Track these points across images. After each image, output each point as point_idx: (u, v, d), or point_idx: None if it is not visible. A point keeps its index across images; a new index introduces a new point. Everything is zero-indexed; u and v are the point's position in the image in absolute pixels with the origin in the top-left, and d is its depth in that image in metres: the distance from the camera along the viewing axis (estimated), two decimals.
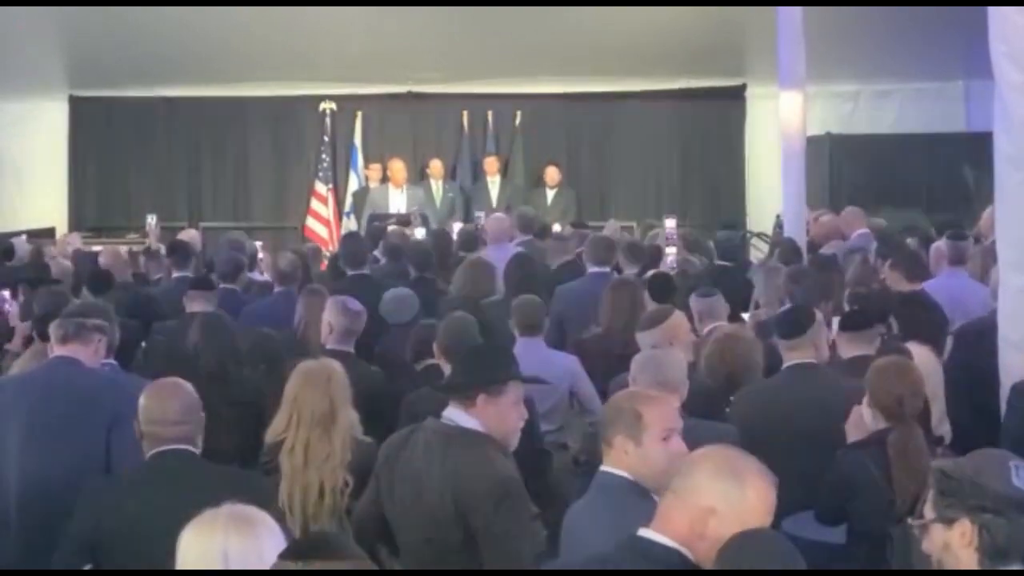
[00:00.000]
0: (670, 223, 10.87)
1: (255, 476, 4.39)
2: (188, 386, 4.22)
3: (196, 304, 7.32)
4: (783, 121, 10.96)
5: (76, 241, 12.40)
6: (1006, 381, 5.52)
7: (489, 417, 3.95)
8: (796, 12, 10.49)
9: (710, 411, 5.22)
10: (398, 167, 14.50)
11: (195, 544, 2.85)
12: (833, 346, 5.82)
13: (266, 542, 2.77)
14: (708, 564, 2.82)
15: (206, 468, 4.11)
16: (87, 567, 3.97)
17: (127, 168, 15.73)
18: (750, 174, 15.71)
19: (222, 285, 8.33)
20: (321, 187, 15.43)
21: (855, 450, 4.71)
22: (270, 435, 4.87)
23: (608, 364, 6.21)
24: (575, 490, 4.21)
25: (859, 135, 15.27)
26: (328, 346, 6.21)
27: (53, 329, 5.13)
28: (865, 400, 4.70)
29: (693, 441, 3.33)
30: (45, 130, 15.40)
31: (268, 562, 2.63)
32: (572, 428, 6.45)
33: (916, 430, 4.59)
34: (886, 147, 15.21)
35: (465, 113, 15.72)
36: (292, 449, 4.73)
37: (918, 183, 14.97)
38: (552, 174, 14.97)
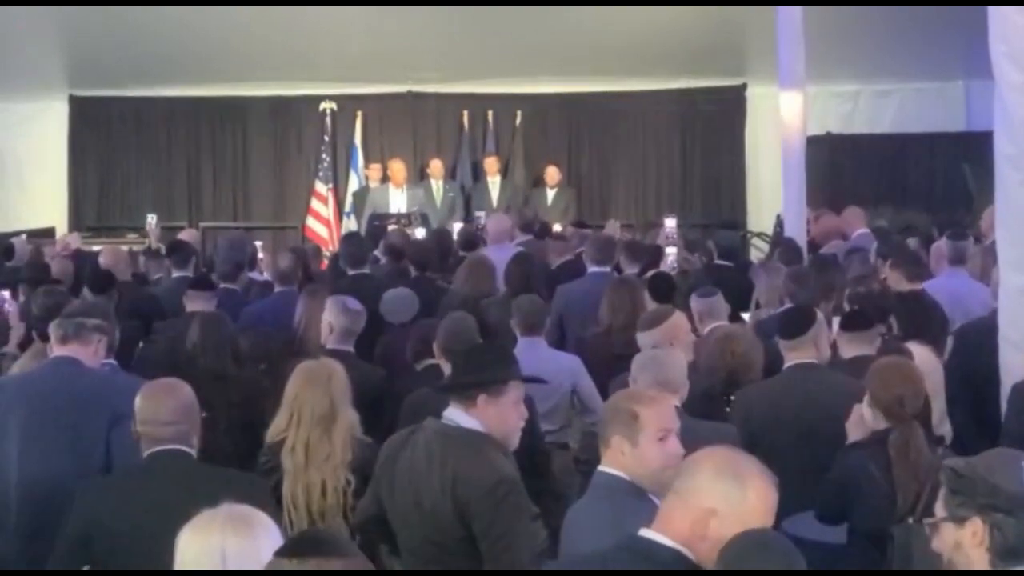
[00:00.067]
0: (670, 223, 10.89)
1: (250, 476, 4.37)
2: (185, 386, 4.22)
3: (196, 304, 7.31)
4: (783, 121, 10.97)
5: (76, 241, 12.39)
6: (1006, 381, 5.52)
7: (490, 417, 3.95)
8: (796, 12, 10.50)
9: (710, 411, 5.23)
10: (398, 167, 14.50)
11: (193, 544, 2.86)
12: (833, 346, 5.82)
13: (264, 542, 2.77)
14: (709, 564, 2.82)
15: (200, 468, 4.10)
16: (85, 567, 3.97)
17: (127, 168, 15.74)
18: (750, 174, 15.72)
19: (222, 285, 8.33)
20: (321, 187, 15.43)
21: (856, 450, 4.71)
22: (271, 434, 4.87)
23: (608, 364, 6.22)
24: (576, 490, 4.22)
25: (859, 135, 15.29)
26: (328, 346, 6.22)
27: (53, 329, 5.12)
28: (865, 399, 4.70)
29: (693, 441, 3.33)
30: (45, 130, 15.41)
31: (266, 562, 2.63)
32: (574, 428, 6.45)
33: (917, 430, 4.59)
34: (886, 147, 15.23)
35: (465, 113, 15.73)
36: (293, 448, 4.74)
37: (918, 183, 15.00)
38: (552, 174, 14.97)
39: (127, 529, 3.88)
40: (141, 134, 15.69)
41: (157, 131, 15.70)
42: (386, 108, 15.81)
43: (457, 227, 11.73)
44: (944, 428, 5.87)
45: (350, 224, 14.88)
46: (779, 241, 10.76)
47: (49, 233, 13.75)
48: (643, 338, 5.63)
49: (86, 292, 7.70)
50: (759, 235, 14.29)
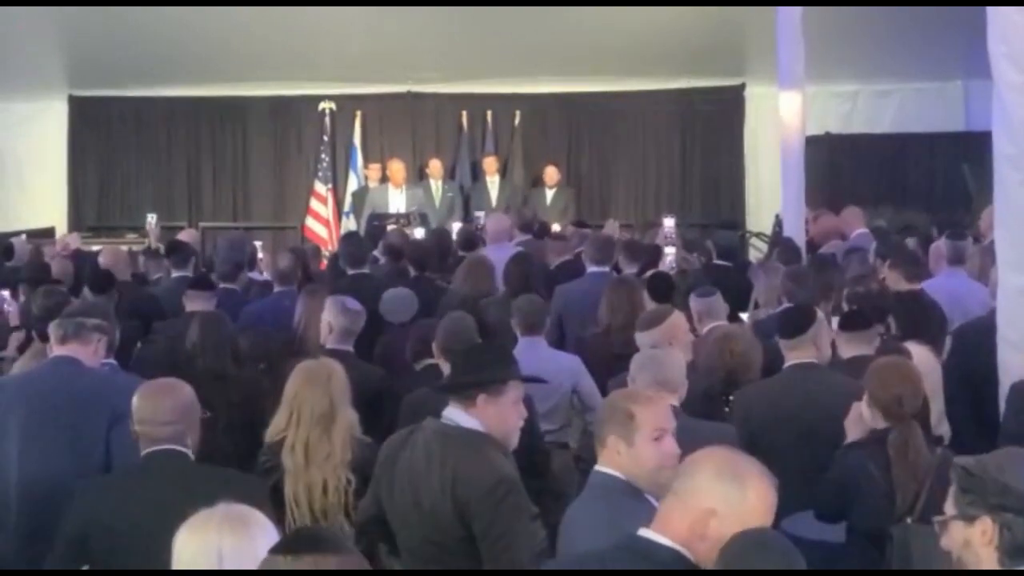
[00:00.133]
0: (669, 222, 10.89)
1: (247, 476, 4.37)
2: (183, 386, 4.21)
3: (196, 304, 7.32)
4: (782, 121, 10.97)
5: (75, 241, 12.39)
6: (1005, 381, 5.51)
7: (489, 417, 3.96)
8: (795, 12, 10.50)
9: (709, 411, 5.24)
10: (397, 167, 14.50)
11: (190, 544, 2.86)
12: (832, 346, 5.82)
13: (260, 542, 2.77)
14: (708, 564, 2.82)
15: (197, 468, 4.09)
16: (84, 567, 3.97)
17: (127, 168, 15.74)
18: (749, 174, 15.72)
19: (222, 285, 8.34)
20: (321, 187, 15.44)
21: (854, 450, 4.72)
22: (270, 434, 4.88)
23: (607, 363, 6.22)
24: (576, 489, 4.22)
25: (858, 135, 15.29)
26: (328, 346, 6.22)
27: (52, 329, 5.12)
28: (864, 399, 4.71)
29: (692, 441, 3.32)
30: (45, 130, 15.42)
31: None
32: (574, 427, 6.45)
33: (916, 429, 4.59)
34: (885, 147, 15.23)
35: (464, 113, 15.74)
36: (293, 448, 4.74)
37: (917, 183, 15.00)
38: (551, 174, 14.97)
39: (125, 528, 3.89)
40: (141, 134, 15.69)
41: (157, 131, 15.71)
42: (385, 108, 15.82)
43: (456, 227, 11.73)
44: (943, 428, 5.88)
45: (349, 224, 14.88)
46: (778, 241, 10.77)
47: (49, 233, 13.76)
48: (642, 338, 5.63)
49: (86, 292, 7.70)
50: (758, 235, 14.30)
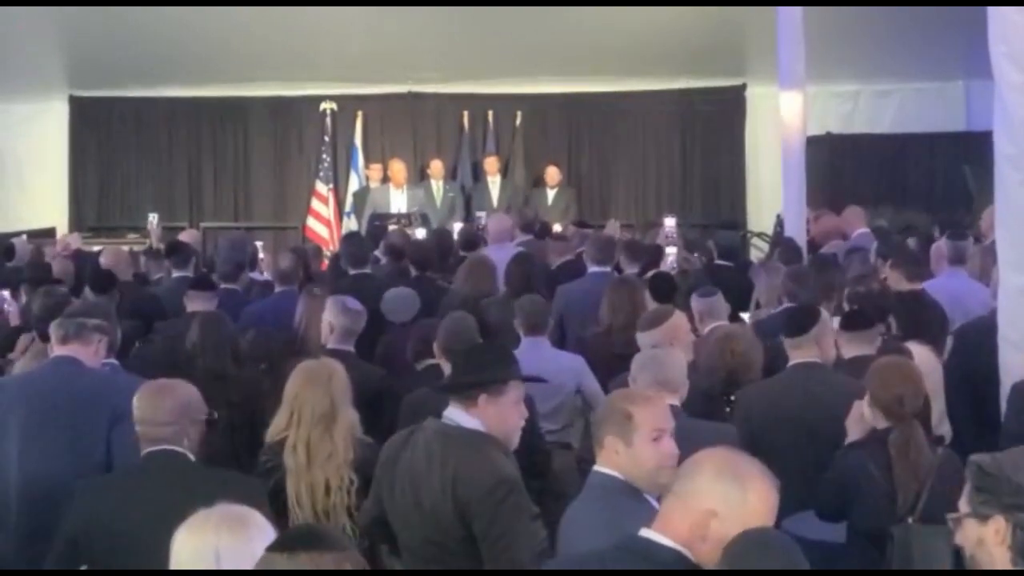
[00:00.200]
0: (669, 222, 10.89)
1: (245, 477, 4.36)
2: (184, 387, 4.20)
3: (197, 304, 7.32)
4: (783, 121, 10.97)
5: (76, 241, 12.40)
6: (1006, 381, 5.51)
7: (490, 417, 3.96)
8: (796, 12, 10.50)
9: (710, 411, 5.24)
10: (398, 167, 14.50)
11: (188, 544, 2.87)
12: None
13: (258, 542, 2.77)
14: (709, 565, 2.82)
15: (196, 469, 4.08)
16: (83, 567, 3.97)
17: (127, 168, 15.74)
18: (750, 174, 15.72)
19: (223, 285, 8.34)
20: (322, 187, 15.44)
21: (855, 449, 4.72)
22: (271, 434, 4.88)
23: (608, 363, 6.22)
24: (577, 490, 4.22)
25: (859, 135, 15.29)
26: (329, 346, 6.22)
27: (53, 329, 5.12)
28: (865, 399, 4.71)
29: (693, 441, 3.33)
30: (45, 130, 15.42)
31: None
32: (576, 427, 6.45)
33: (917, 429, 4.59)
34: (886, 147, 15.23)
35: (465, 113, 15.73)
36: (294, 447, 4.74)
37: (918, 183, 15.00)
38: (552, 174, 14.97)
39: (123, 529, 3.88)
40: (141, 134, 15.69)
41: (158, 131, 15.70)
42: (386, 108, 15.82)
43: (457, 227, 11.73)
44: (944, 428, 5.88)
45: (350, 224, 14.88)
46: (779, 241, 10.77)
47: (49, 233, 13.76)
48: (643, 338, 5.63)
49: (87, 292, 7.71)
50: (759, 235, 14.30)
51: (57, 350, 5.08)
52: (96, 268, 8.81)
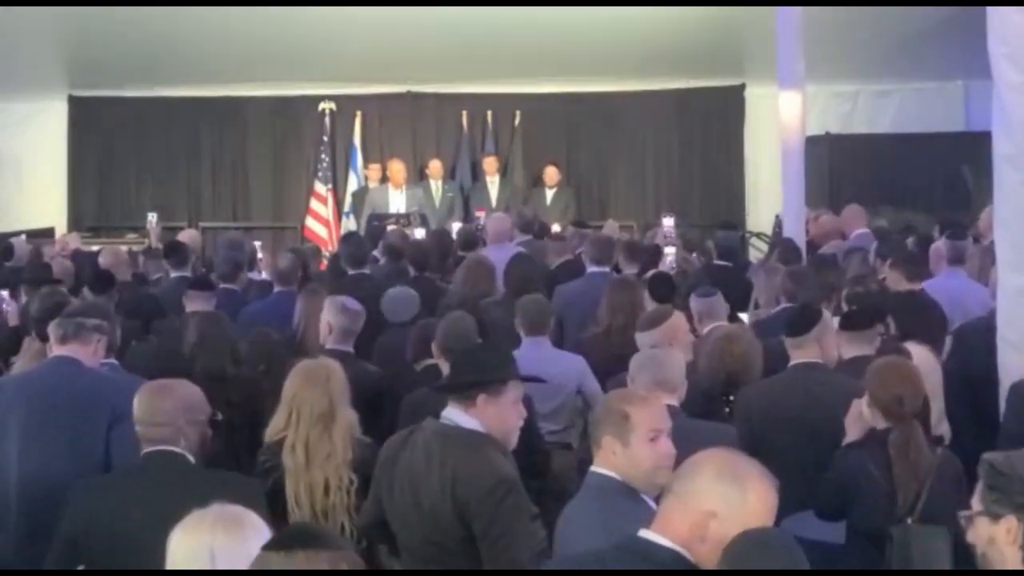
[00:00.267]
0: (668, 222, 10.89)
1: (243, 478, 4.34)
2: (184, 387, 4.20)
3: (196, 304, 7.32)
4: (782, 121, 10.97)
5: (75, 241, 12.40)
6: (1005, 381, 5.51)
7: (489, 417, 3.96)
8: (795, 12, 10.50)
9: (709, 411, 5.23)
10: (397, 167, 14.50)
11: (183, 544, 2.87)
12: None
13: (254, 542, 2.77)
14: (708, 565, 2.82)
15: (194, 470, 4.07)
16: (80, 567, 3.96)
17: (127, 168, 15.73)
18: (749, 174, 15.72)
19: (222, 285, 8.34)
20: (320, 187, 15.43)
21: (854, 450, 4.71)
22: (269, 434, 4.87)
23: (607, 364, 6.21)
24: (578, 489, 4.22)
25: (858, 135, 15.29)
26: (327, 346, 6.22)
27: (52, 329, 5.12)
28: (864, 399, 4.71)
29: (692, 442, 3.32)
30: (45, 130, 15.41)
31: None
32: (578, 428, 6.45)
33: (917, 429, 4.59)
34: (885, 147, 15.22)
35: (464, 113, 15.73)
36: (293, 447, 4.73)
37: (917, 183, 14.97)
38: (551, 174, 14.97)
39: (121, 529, 3.87)
40: (140, 134, 15.68)
41: (157, 131, 15.69)
42: (385, 108, 15.81)
43: (456, 227, 11.73)
44: (943, 428, 5.87)
45: (349, 224, 14.88)
46: (778, 241, 10.76)
47: (48, 233, 13.75)
48: (642, 338, 5.63)
49: (86, 292, 7.70)
50: (758, 235, 14.30)
51: (56, 350, 5.08)
52: (95, 268, 8.81)
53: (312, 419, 4.75)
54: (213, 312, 6.77)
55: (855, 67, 14.67)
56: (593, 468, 3.65)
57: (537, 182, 15.24)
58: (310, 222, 15.37)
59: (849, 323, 5.78)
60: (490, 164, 15.11)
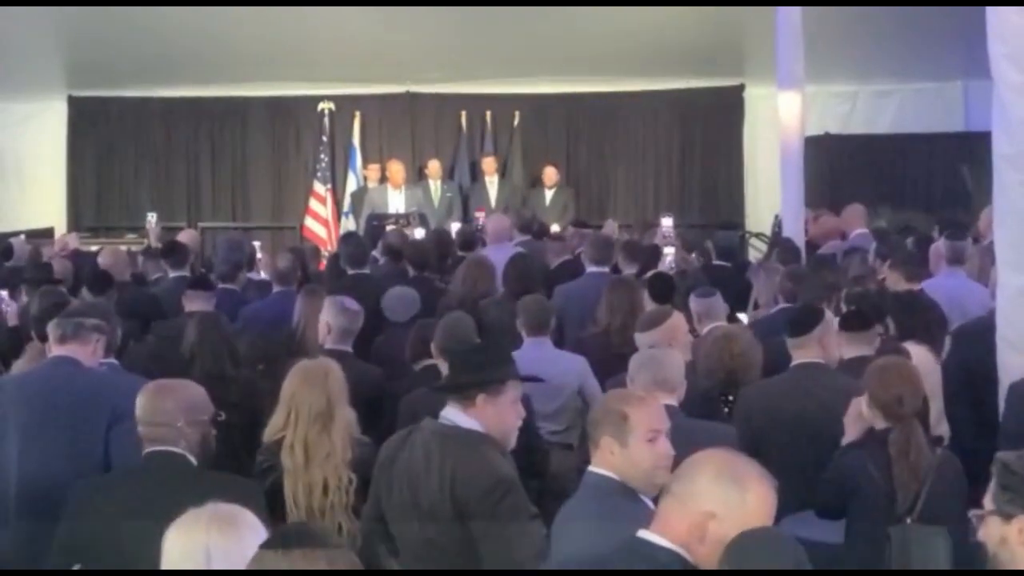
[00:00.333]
0: (667, 222, 10.90)
1: (243, 480, 4.33)
2: (186, 388, 4.18)
3: (195, 304, 7.32)
4: (782, 121, 10.97)
5: (74, 241, 12.39)
6: (1004, 381, 5.51)
7: (488, 417, 3.96)
8: (795, 12, 10.50)
9: (708, 412, 5.23)
10: (397, 168, 14.50)
11: (178, 543, 2.87)
12: None
13: (249, 541, 2.77)
14: (707, 566, 2.82)
15: (192, 471, 4.05)
16: (76, 567, 3.95)
17: (125, 168, 15.74)
18: (749, 174, 15.71)
19: (221, 285, 8.33)
20: (320, 187, 15.43)
21: (853, 450, 4.71)
22: (268, 434, 4.87)
23: (606, 364, 6.21)
24: None
25: (858, 135, 15.29)
26: (326, 346, 6.22)
27: (51, 329, 5.12)
28: (864, 399, 4.70)
29: (691, 442, 3.32)
30: (45, 130, 15.42)
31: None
32: (579, 428, 6.44)
33: (917, 428, 4.59)
34: (885, 147, 15.23)
35: (463, 113, 15.72)
36: (292, 447, 4.73)
37: (917, 183, 14.99)
38: (550, 174, 14.97)
39: (118, 529, 3.85)
40: (140, 134, 15.69)
41: (156, 131, 15.70)
42: (384, 108, 15.81)
43: (455, 227, 11.73)
44: (942, 428, 5.87)
45: (348, 224, 14.88)
46: (777, 241, 10.77)
47: (48, 233, 13.76)
48: (642, 339, 5.63)
49: (84, 293, 7.70)
50: (757, 235, 14.30)
51: (55, 350, 5.07)
52: (93, 269, 8.81)
53: (310, 418, 4.74)
54: (211, 312, 6.77)
55: (855, 67, 14.66)
56: (591, 468, 3.65)
57: (536, 182, 15.25)
58: (309, 222, 15.36)
59: (848, 323, 5.78)
60: (489, 164, 15.11)
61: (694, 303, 6.70)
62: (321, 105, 15.63)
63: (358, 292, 6.96)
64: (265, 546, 2.57)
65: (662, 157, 16.00)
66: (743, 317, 7.71)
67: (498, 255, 8.72)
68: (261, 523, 2.94)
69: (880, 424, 4.63)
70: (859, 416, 4.75)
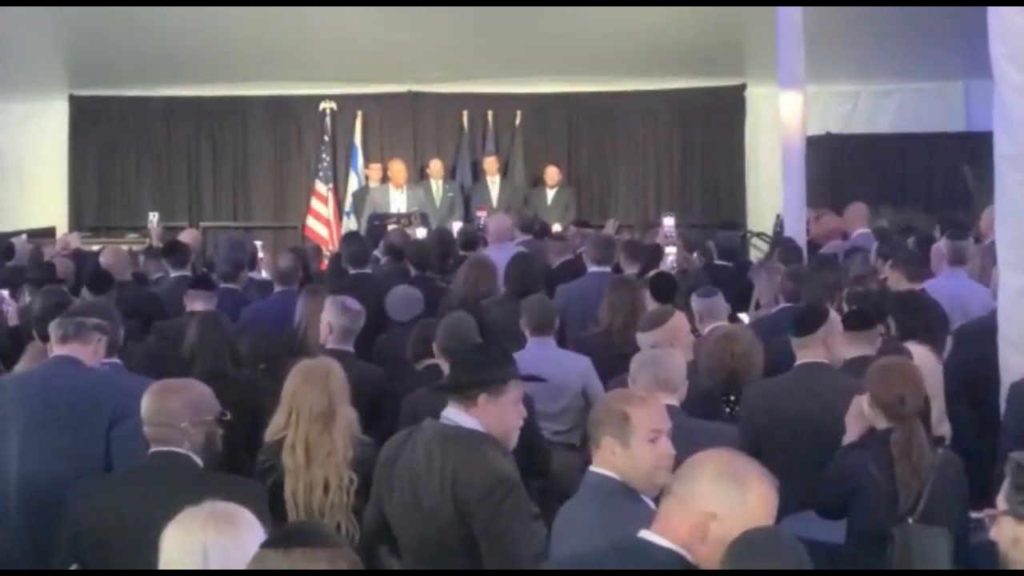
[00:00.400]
0: (668, 221, 10.89)
1: (245, 481, 4.32)
2: (190, 388, 4.18)
3: (196, 303, 7.32)
4: (783, 121, 10.97)
5: (75, 240, 12.40)
6: (1006, 381, 5.51)
7: (490, 417, 3.96)
8: (796, 12, 10.50)
9: (709, 411, 5.23)
10: (398, 167, 14.50)
11: (175, 541, 2.87)
12: None
13: (246, 540, 2.77)
14: (708, 566, 2.82)
15: (193, 471, 4.04)
16: (73, 566, 3.96)
17: (127, 168, 15.74)
18: (750, 174, 15.71)
19: (222, 285, 8.34)
20: (321, 187, 15.43)
21: (854, 450, 4.71)
22: (269, 433, 4.87)
23: (608, 364, 6.21)
24: None
25: (859, 135, 15.28)
26: (328, 346, 6.22)
27: (52, 329, 5.12)
28: (865, 399, 4.70)
29: (692, 442, 3.32)
30: (45, 130, 15.42)
31: (249, 560, 2.64)
32: (583, 428, 6.43)
33: (919, 428, 4.59)
34: (886, 147, 15.23)
35: (465, 113, 15.72)
36: (293, 447, 4.73)
37: (918, 183, 14.99)
38: (552, 174, 14.97)
39: (119, 530, 3.85)
40: (141, 134, 15.69)
41: (157, 131, 15.70)
42: (386, 108, 15.81)
43: (457, 227, 11.74)
44: (944, 428, 5.88)
45: (350, 224, 14.88)
46: (779, 241, 10.77)
47: (49, 233, 13.75)
48: (644, 339, 5.63)
49: (85, 292, 7.70)
50: (759, 235, 14.30)
51: (56, 350, 5.07)
52: (94, 268, 8.81)
53: (311, 418, 4.74)
54: (213, 312, 6.77)
55: (855, 67, 14.66)
56: (592, 468, 3.65)
57: (538, 182, 15.25)
58: (311, 222, 15.37)
59: (850, 323, 5.77)
60: (491, 164, 15.11)
61: (696, 303, 6.69)
62: (323, 105, 15.63)
63: (359, 292, 6.96)
64: (266, 545, 2.58)
65: (663, 157, 16.00)
66: (744, 317, 7.71)
67: (500, 255, 8.71)
68: (259, 521, 2.94)
69: (882, 424, 4.62)
70: (860, 414, 4.74)
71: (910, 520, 4.44)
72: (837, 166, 14.74)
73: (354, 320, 6.33)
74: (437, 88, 15.63)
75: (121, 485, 4.09)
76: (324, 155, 15.52)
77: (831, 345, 5.41)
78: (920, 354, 5.62)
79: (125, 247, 11.22)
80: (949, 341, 6.44)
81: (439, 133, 15.87)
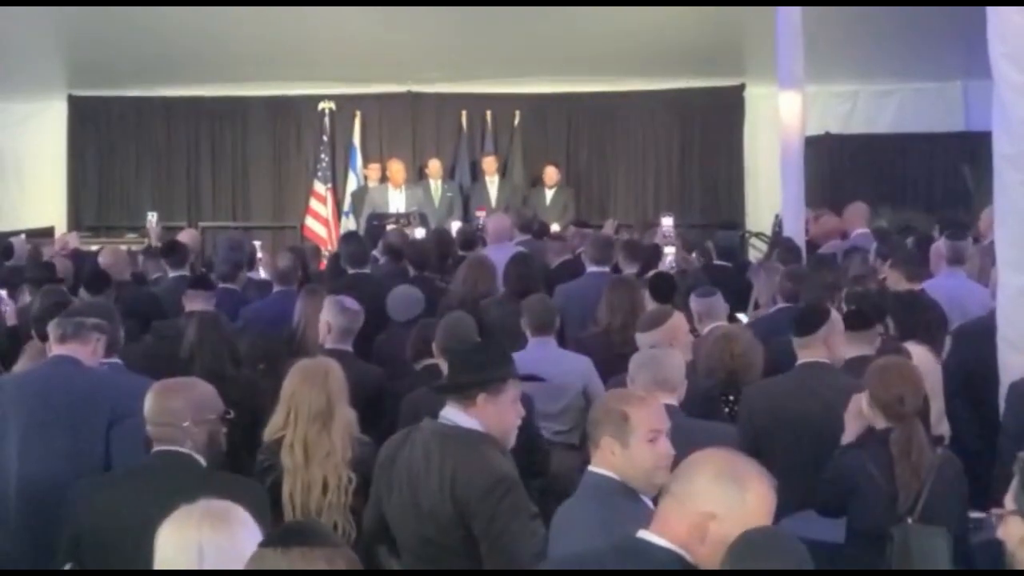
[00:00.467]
0: (667, 221, 10.90)
1: (246, 481, 4.30)
2: (192, 388, 4.17)
3: (195, 303, 7.32)
4: (782, 121, 10.97)
5: (74, 240, 12.39)
6: (1005, 380, 5.52)
7: (488, 416, 3.96)
8: (795, 12, 10.50)
9: (709, 412, 5.23)
10: (397, 167, 14.50)
11: (170, 540, 2.87)
12: None
13: (242, 538, 2.77)
14: (708, 566, 2.81)
15: (194, 471, 4.02)
16: (68, 566, 3.95)
17: (126, 167, 15.74)
18: (749, 174, 15.71)
19: (221, 285, 8.33)
20: (320, 187, 15.43)
21: (853, 449, 4.71)
22: (268, 433, 4.87)
23: (607, 363, 6.21)
24: None
25: (858, 135, 15.28)
26: (326, 345, 6.22)
27: (52, 328, 5.12)
28: (864, 399, 4.70)
29: (691, 442, 3.32)
30: (45, 130, 15.42)
31: (245, 557, 2.63)
32: (583, 428, 6.42)
33: (919, 427, 4.58)
34: (885, 147, 15.23)
35: (464, 113, 15.72)
36: (291, 446, 4.73)
37: (917, 183, 15.00)
38: (551, 174, 14.96)
39: (119, 529, 3.84)
40: (140, 134, 15.69)
41: (156, 131, 15.70)
42: (385, 108, 15.81)
43: (456, 227, 11.73)
44: (942, 428, 5.88)
45: (349, 224, 14.88)
46: (778, 241, 10.77)
47: (48, 232, 13.76)
48: (643, 339, 5.63)
49: (83, 292, 7.70)
50: (758, 235, 14.30)
51: (55, 349, 5.07)
52: (92, 268, 8.81)
53: (310, 417, 4.74)
54: (211, 312, 6.76)
55: (855, 67, 14.66)
56: (591, 468, 3.64)
57: (536, 182, 15.24)
58: (310, 222, 15.37)
59: (849, 323, 5.77)
60: (489, 164, 15.10)
61: (695, 303, 6.69)
62: (321, 105, 15.63)
63: (358, 292, 6.96)
64: (264, 544, 2.58)
65: (662, 157, 16.00)
66: (743, 317, 7.71)
67: (499, 255, 8.71)
68: (257, 520, 2.94)
69: (881, 424, 4.62)
70: (859, 413, 4.74)
71: (909, 520, 4.44)
72: (836, 166, 14.75)
73: (353, 320, 6.33)
74: (436, 88, 15.63)
75: (122, 485, 4.09)
76: (323, 155, 15.52)
77: (832, 345, 5.41)
78: (919, 354, 5.62)
79: (124, 247, 11.21)
80: (948, 341, 6.44)
81: (438, 133, 15.87)
